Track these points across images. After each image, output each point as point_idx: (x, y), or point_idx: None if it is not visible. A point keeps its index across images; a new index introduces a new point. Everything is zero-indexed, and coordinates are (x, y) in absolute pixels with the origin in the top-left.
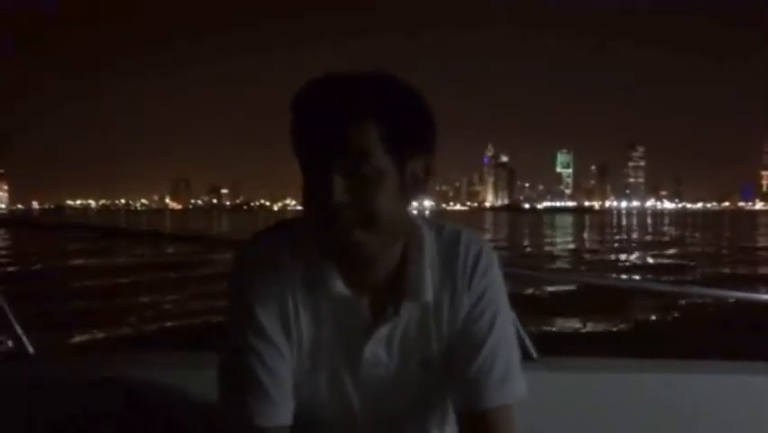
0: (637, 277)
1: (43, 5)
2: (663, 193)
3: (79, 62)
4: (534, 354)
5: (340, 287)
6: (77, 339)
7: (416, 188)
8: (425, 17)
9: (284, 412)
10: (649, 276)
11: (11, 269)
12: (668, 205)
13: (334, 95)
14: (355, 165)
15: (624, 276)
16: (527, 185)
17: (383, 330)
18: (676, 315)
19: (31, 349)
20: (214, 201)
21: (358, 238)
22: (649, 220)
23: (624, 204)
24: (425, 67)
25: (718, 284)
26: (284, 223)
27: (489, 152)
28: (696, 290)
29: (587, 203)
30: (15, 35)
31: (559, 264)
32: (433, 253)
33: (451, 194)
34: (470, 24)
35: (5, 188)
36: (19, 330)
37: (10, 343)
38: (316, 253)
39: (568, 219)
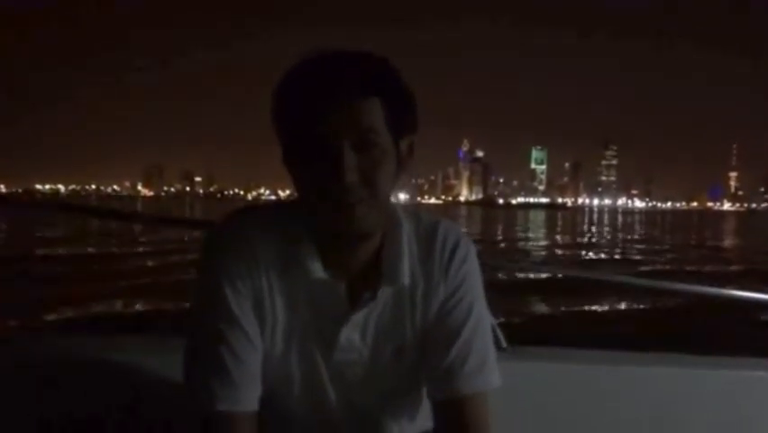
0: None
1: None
2: (634, 192)
3: (52, 46)
4: (504, 344)
5: (318, 270)
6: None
7: (404, 165)
8: (399, 8)
9: (249, 398)
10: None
11: None
12: (638, 204)
13: (337, 70)
14: (364, 142)
15: (591, 269)
16: (502, 180)
17: (359, 315)
18: (645, 307)
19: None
20: (188, 189)
21: (361, 213)
22: (620, 218)
23: (596, 201)
24: (400, 58)
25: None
26: (255, 206)
27: (465, 147)
28: (662, 284)
29: (560, 200)
30: None
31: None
32: (411, 241)
33: (426, 187)
34: (448, 17)
35: None
36: None
37: None
38: (295, 235)
39: (541, 215)
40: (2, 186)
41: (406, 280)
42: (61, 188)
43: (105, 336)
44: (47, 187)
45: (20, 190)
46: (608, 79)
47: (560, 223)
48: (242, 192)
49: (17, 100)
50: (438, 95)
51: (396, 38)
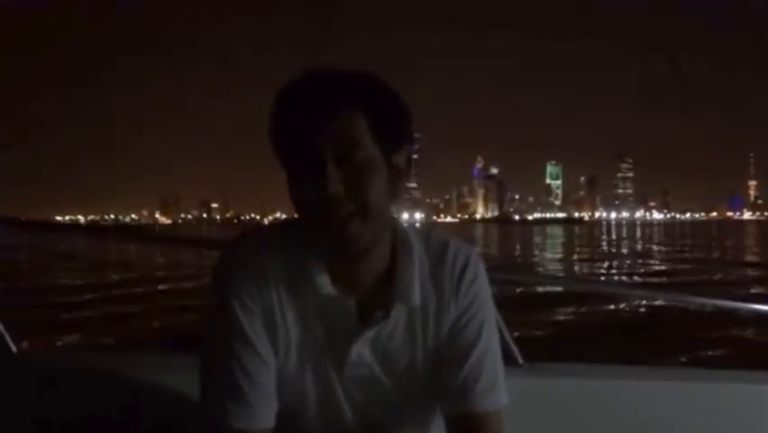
0: (623, 280)
1: (18, 20)
2: (652, 204)
3: (62, 76)
4: (520, 360)
5: (327, 286)
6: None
7: (400, 179)
8: (412, 24)
9: (264, 415)
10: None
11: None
12: (657, 215)
13: (321, 87)
14: (347, 154)
15: (606, 279)
16: (517, 197)
17: (370, 332)
18: (662, 321)
19: (14, 348)
20: (204, 215)
21: (353, 229)
22: (638, 232)
23: (613, 215)
24: (411, 77)
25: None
26: (267, 225)
27: (479, 164)
28: (677, 297)
29: (576, 214)
30: None
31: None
32: (422, 260)
33: (441, 206)
34: (460, 35)
35: None
36: (1, 328)
37: None
38: (303, 252)
39: (558, 230)
40: (23, 218)
41: (417, 301)
42: (81, 218)
43: (117, 351)
44: (66, 218)
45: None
46: (622, 92)
47: (576, 242)
48: (258, 217)
49: (36, 132)
50: (451, 113)
51: (407, 52)
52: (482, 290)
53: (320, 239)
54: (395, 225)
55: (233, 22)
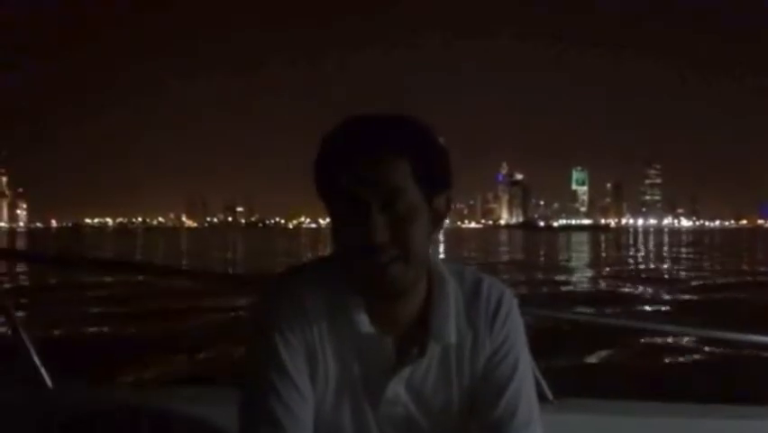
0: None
1: (46, 27)
2: (680, 211)
3: (93, 79)
4: (550, 396)
5: (366, 324)
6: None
7: (440, 220)
8: (437, 32)
9: None
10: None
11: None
12: (685, 223)
13: (369, 133)
14: (392, 201)
15: (642, 317)
16: (542, 203)
17: (406, 370)
18: (700, 357)
19: (49, 383)
20: (230, 219)
21: (395, 273)
22: (666, 238)
23: (640, 222)
24: (438, 83)
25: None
26: (305, 263)
27: (504, 170)
28: (724, 334)
29: (602, 221)
30: (26, 50)
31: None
32: (456, 296)
33: (466, 211)
34: (484, 40)
35: (24, 206)
36: (38, 362)
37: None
38: (342, 291)
39: (584, 237)
40: (53, 221)
41: (453, 339)
42: (109, 221)
43: (153, 387)
44: (95, 220)
45: (70, 225)
46: (649, 97)
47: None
48: (282, 221)
49: (64, 135)
50: (476, 117)
51: (435, 59)
52: (516, 326)
53: (361, 281)
54: (431, 262)
55: (265, 28)
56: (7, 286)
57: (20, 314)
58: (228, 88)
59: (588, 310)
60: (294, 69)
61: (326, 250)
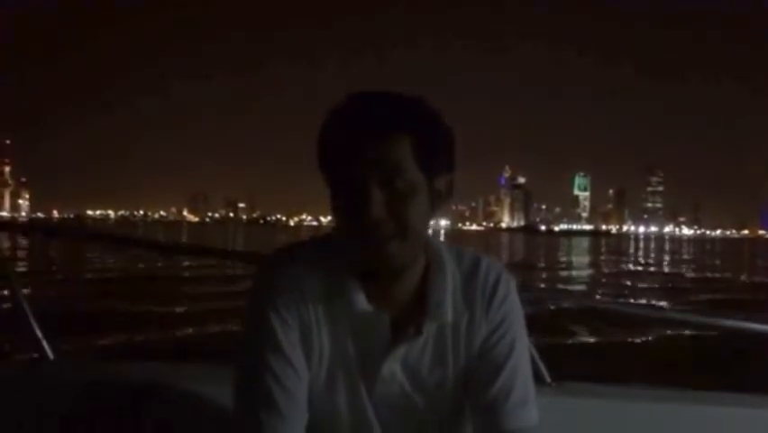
0: (661, 305)
1: (48, 14)
2: (682, 219)
3: (98, 74)
4: (548, 379)
5: (362, 302)
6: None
7: (441, 202)
8: (441, 35)
9: (296, 428)
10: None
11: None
12: (686, 231)
13: (371, 109)
14: (391, 177)
15: (636, 303)
16: (544, 207)
17: (402, 348)
18: (691, 344)
19: (51, 354)
20: (231, 215)
21: (392, 250)
22: (667, 246)
23: (641, 229)
24: (440, 85)
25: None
26: (303, 241)
27: (506, 173)
28: (714, 320)
29: (604, 227)
30: (31, 46)
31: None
32: (454, 276)
33: (467, 213)
34: (488, 44)
35: (27, 196)
36: (40, 335)
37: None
38: (339, 269)
39: (585, 242)
40: (55, 211)
41: (449, 318)
42: (111, 213)
43: (151, 363)
44: (98, 212)
45: (72, 216)
46: (651, 104)
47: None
48: (284, 218)
49: (67, 128)
50: (479, 120)
51: (436, 62)
52: (514, 307)
53: (359, 258)
54: (428, 242)
55: (266, 28)
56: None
57: (25, 291)
58: (230, 86)
59: (589, 296)
60: (295, 69)
61: None
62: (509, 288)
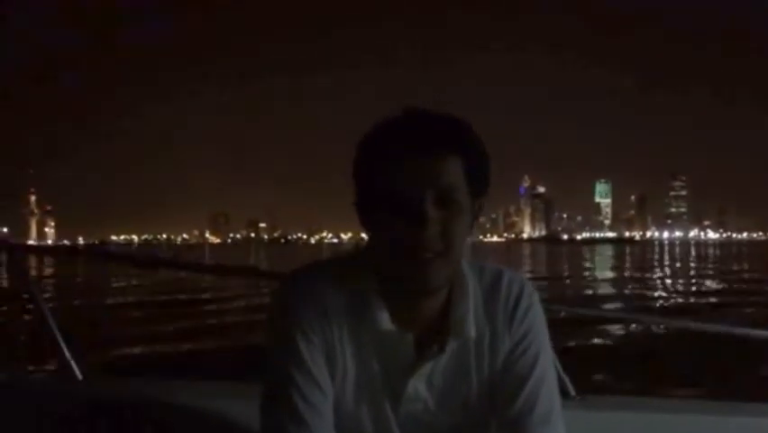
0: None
1: (69, 43)
2: (707, 223)
3: (117, 102)
4: (573, 392)
5: (386, 322)
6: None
7: (475, 223)
8: (459, 44)
9: None
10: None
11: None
12: (712, 235)
13: (431, 127)
14: (444, 196)
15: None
16: (565, 216)
17: (426, 366)
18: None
19: (79, 375)
20: (252, 235)
21: (435, 268)
22: (693, 251)
23: (665, 234)
24: (458, 95)
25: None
26: (326, 260)
27: (526, 183)
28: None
29: (627, 234)
30: (53, 70)
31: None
32: (476, 292)
33: (488, 225)
34: (505, 53)
35: (52, 223)
36: (68, 355)
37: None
38: (363, 287)
39: (609, 250)
40: (80, 237)
41: (473, 334)
42: (135, 238)
43: (179, 380)
44: (121, 237)
45: (96, 242)
46: (674, 107)
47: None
48: (305, 236)
49: (90, 153)
50: (497, 130)
51: (453, 71)
52: (536, 320)
53: (396, 275)
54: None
55: (280, 43)
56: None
57: (50, 306)
58: (249, 107)
59: (612, 307)
60: (315, 84)
61: None
62: (532, 300)
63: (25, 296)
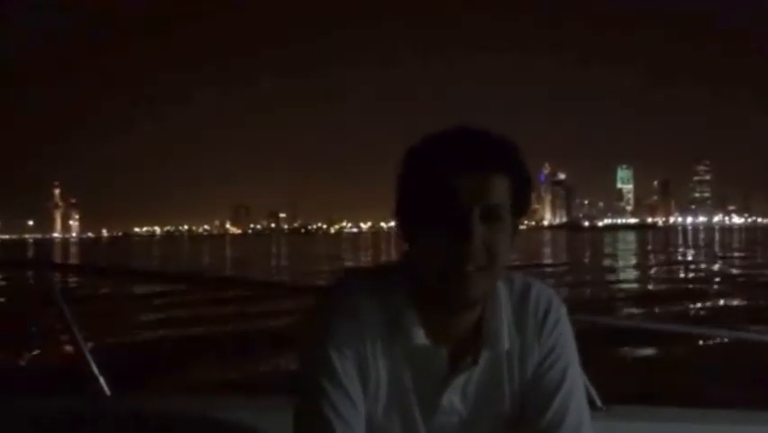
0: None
1: (96, 34)
2: (731, 208)
3: (140, 91)
4: (599, 403)
5: (420, 337)
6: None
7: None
8: (480, 35)
9: None
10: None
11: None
12: (737, 220)
13: (477, 144)
14: (491, 213)
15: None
16: (586, 202)
17: (460, 379)
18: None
19: (107, 390)
20: (273, 225)
21: (478, 282)
22: (717, 237)
23: (689, 220)
24: (477, 80)
25: None
26: (364, 270)
27: (546, 170)
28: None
29: (650, 219)
30: (78, 66)
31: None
32: (506, 304)
33: None
34: (528, 43)
35: (77, 216)
36: (96, 371)
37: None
38: (398, 301)
39: (631, 237)
40: (104, 230)
41: (506, 346)
42: (157, 229)
43: (209, 395)
44: (144, 229)
45: (120, 234)
46: (696, 91)
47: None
48: (324, 226)
49: (111, 146)
50: (516, 116)
51: (454, 70)
52: (565, 333)
53: (436, 288)
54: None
55: (300, 38)
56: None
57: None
58: (271, 96)
59: (640, 316)
60: (332, 77)
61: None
62: (560, 314)
63: (52, 311)
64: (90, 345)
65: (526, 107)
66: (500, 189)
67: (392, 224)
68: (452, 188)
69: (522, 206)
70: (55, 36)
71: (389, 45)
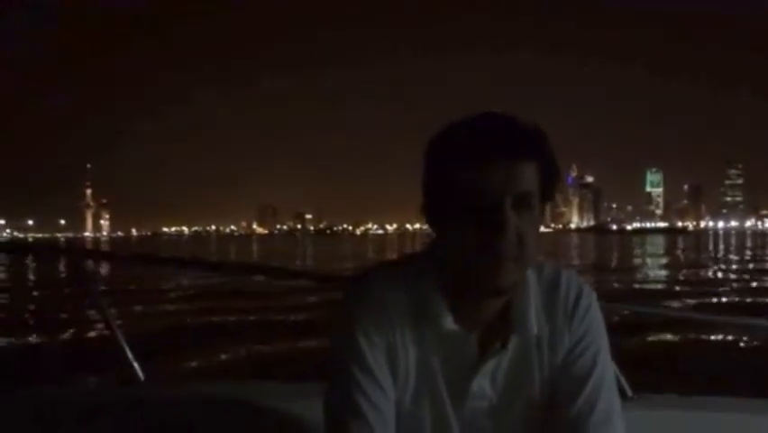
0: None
1: (114, 43)
2: (764, 212)
3: (168, 94)
4: (630, 392)
5: (449, 323)
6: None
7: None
8: (512, 38)
9: None
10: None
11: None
12: None
13: (512, 134)
14: (521, 201)
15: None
16: (614, 205)
17: (490, 364)
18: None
19: (141, 376)
20: (298, 226)
21: (508, 270)
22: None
23: (720, 224)
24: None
25: None
26: (389, 261)
27: (574, 173)
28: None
29: (680, 224)
30: (105, 68)
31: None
32: (535, 290)
33: None
34: (556, 41)
35: (107, 216)
36: (131, 357)
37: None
38: (426, 289)
39: (659, 240)
40: (133, 230)
41: (534, 331)
42: (185, 229)
43: (241, 381)
44: (173, 229)
45: (149, 233)
46: (729, 94)
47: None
48: (350, 227)
49: (140, 148)
50: (544, 118)
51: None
52: (596, 320)
53: (469, 276)
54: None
55: (328, 37)
56: (102, 288)
57: (112, 311)
58: (298, 101)
59: (672, 305)
60: (360, 75)
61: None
62: (591, 302)
63: (87, 300)
64: (121, 329)
65: (531, 107)
66: (530, 177)
67: (418, 225)
68: (484, 178)
69: (550, 192)
70: (84, 30)
71: (389, 45)
